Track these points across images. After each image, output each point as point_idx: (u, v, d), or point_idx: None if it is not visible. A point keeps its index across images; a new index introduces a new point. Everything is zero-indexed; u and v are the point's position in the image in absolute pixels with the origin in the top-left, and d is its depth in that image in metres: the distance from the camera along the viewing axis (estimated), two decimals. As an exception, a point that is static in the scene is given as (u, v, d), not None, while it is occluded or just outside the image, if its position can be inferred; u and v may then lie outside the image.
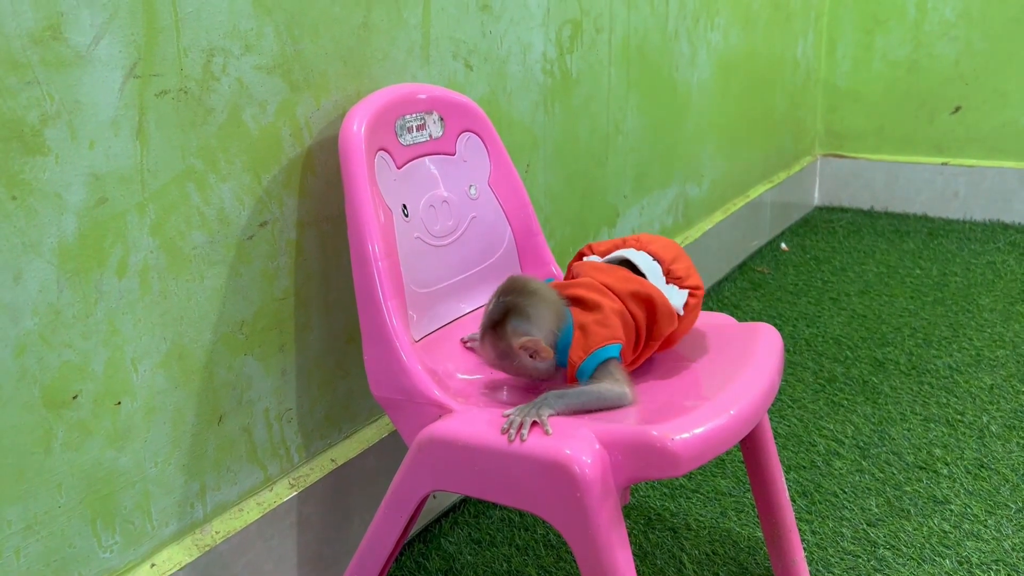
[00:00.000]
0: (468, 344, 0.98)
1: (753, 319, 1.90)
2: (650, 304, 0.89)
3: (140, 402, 0.83)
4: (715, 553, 1.16)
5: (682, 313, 0.91)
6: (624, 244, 0.97)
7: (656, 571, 1.13)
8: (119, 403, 0.81)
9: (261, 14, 0.88)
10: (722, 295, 2.08)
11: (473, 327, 1.02)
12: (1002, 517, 1.21)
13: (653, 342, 0.91)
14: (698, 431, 0.77)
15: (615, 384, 0.84)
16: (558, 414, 0.82)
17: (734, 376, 0.86)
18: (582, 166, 1.53)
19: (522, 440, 0.78)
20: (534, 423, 0.79)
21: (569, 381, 0.87)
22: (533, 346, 0.85)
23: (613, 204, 1.65)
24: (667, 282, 0.92)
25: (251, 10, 0.87)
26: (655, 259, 0.94)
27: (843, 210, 2.83)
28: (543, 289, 0.88)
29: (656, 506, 1.26)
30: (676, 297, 0.91)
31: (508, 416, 0.81)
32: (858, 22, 2.74)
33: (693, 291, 0.92)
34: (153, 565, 0.85)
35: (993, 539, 1.16)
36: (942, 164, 2.69)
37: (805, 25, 2.59)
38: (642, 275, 0.92)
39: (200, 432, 0.89)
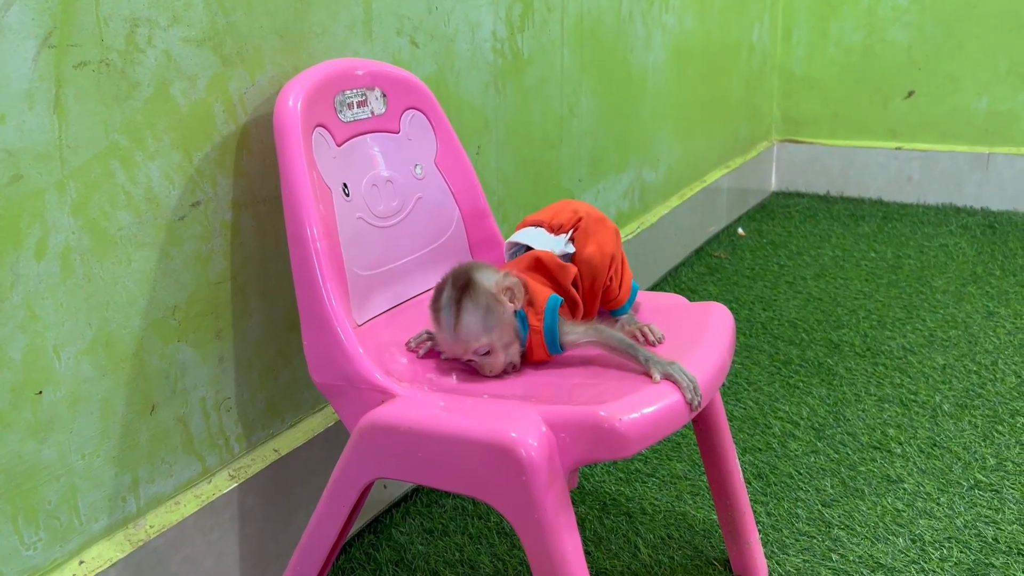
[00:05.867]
0: (414, 346, 0.91)
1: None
2: (540, 265, 0.90)
3: (64, 391, 0.78)
4: (670, 537, 1.14)
5: (572, 250, 0.91)
6: (516, 230, 0.97)
7: (611, 556, 1.11)
8: (40, 392, 0.76)
9: (189, -17, 0.84)
10: (679, 280, 2.07)
11: (419, 311, 0.99)
12: (954, 495, 1.21)
13: (588, 293, 0.91)
14: (647, 411, 0.75)
15: (591, 334, 0.86)
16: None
17: (684, 355, 0.84)
18: (535, 149, 1.50)
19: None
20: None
21: (537, 349, 0.86)
22: (511, 285, 0.85)
23: (568, 188, 1.63)
24: (555, 235, 0.93)
25: (178, -21, 0.83)
26: (537, 225, 0.94)
27: (800, 195, 2.85)
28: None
29: (611, 491, 1.24)
30: (558, 244, 0.92)
31: (679, 379, 0.79)
32: (813, 7, 2.75)
33: (575, 225, 0.92)
34: (82, 562, 0.81)
35: (945, 517, 1.16)
36: (896, 149, 2.71)
37: (760, 10, 2.59)
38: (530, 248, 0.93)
39: (131, 422, 0.85)
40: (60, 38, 0.74)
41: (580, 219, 0.93)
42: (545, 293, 0.88)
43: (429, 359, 0.91)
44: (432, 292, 0.87)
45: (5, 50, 0.70)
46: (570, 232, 0.93)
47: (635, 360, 0.83)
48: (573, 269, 0.91)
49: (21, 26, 0.71)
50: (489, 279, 0.85)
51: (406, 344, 0.92)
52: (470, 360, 0.86)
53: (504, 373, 0.86)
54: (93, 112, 0.77)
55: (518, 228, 0.97)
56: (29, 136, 0.73)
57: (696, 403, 0.78)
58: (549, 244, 0.92)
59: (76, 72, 0.75)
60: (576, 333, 0.86)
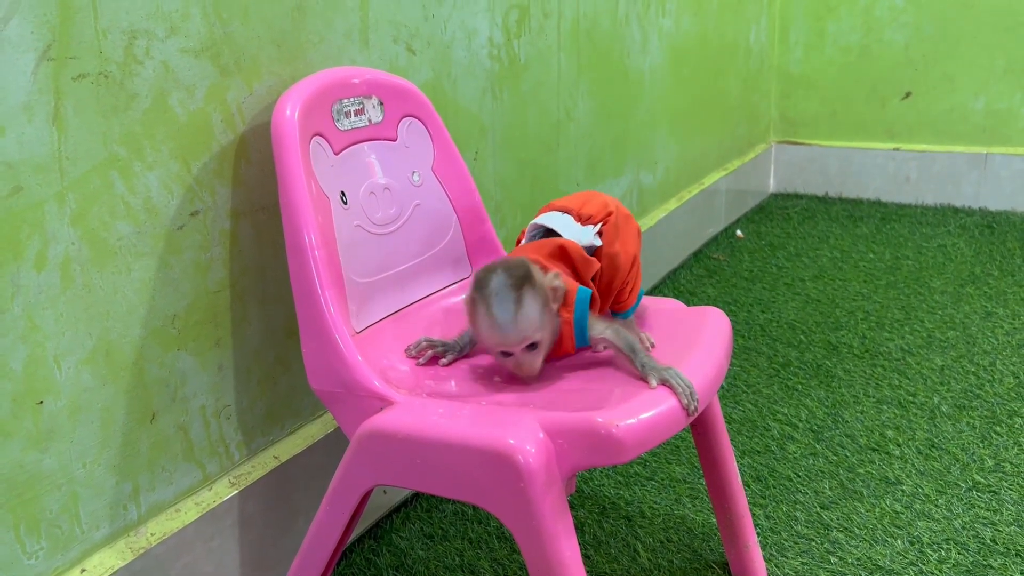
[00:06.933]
0: (414, 354, 0.91)
1: (708, 305, 1.90)
2: (564, 254, 0.89)
3: (64, 401, 0.79)
4: (669, 540, 1.15)
5: (598, 244, 0.91)
6: (541, 212, 0.97)
7: (610, 560, 1.11)
8: (41, 402, 0.77)
9: (186, -6, 0.84)
10: (678, 282, 2.08)
11: (418, 317, 1.00)
12: (952, 496, 1.22)
13: (604, 290, 0.91)
14: (643, 417, 0.75)
15: (610, 333, 0.85)
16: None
17: (681, 360, 0.85)
18: (533, 153, 1.51)
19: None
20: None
21: (566, 341, 0.85)
22: (557, 287, 0.83)
23: (565, 191, 1.64)
24: (583, 225, 0.92)
25: (175, -10, 0.83)
26: (564, 212, 0.93)
27: (798, 196, 2.85)
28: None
29: (610, 494, 1.25)
30: (586, 235, 0.91)
31: (675, 385, 0.79)
32: (810, 8, 2.76)
33: (604, 218, 0.92)
34: (83, 570, 0.82)
35: (944, 518, 1.17)
36: (894, 149, 2.72)
37: (757, 11, 2.59)
38: (558, 234, 0.92)
39: (131, 431, 0.85)
40: (59, 51, 0.74)
41: (611, 213, 0.92)
42: (574, 285, 0.86)
43: (427, 366, 0.91)
44: (473, 281, 0.83)
45: (4, 63, 0.70)
46: (599, 225, 0.92)
47: (633, 364, 0.83)
48: (596, 264, 0.90)
49: (20, 39, 0.71)
50: (540, 276, 0.83)
51: (405, 351, 0.92)
52: (506, 355, 0.83)
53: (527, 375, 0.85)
54: (92, 123, 0.78)
55: (543, 211, 0.96)
56: (28, 148, 0.73)
57: (693, 408, 0.79)
58: (576, 234, 0.91)
59: (75, 84, 0.76)
60: (597, 329, 0.86)
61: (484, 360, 0.93)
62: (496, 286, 0.81)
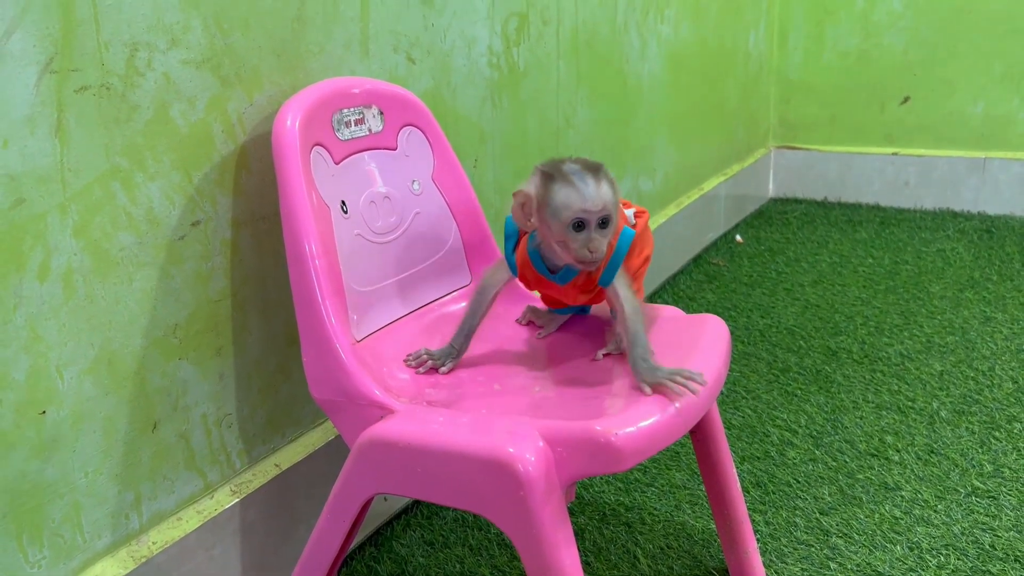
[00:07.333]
0: (413, 364, 0.92)
1: (708, 311, 1.90)
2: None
3: (67, 410, 0.79)
4: (669, 547, 1.15)
5: (634, 222, 0.92)
6: None
7: (610, 567, 1.12)
8: (44, 412, 0.77)
9: (187, 7, 0.85)
10: (677, 288, 2.08)
11: (419, 325, 1.00)
12: (951, 502, 1.22)
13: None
14: (642, 425, 0.76)
15: (628, 296, 0.86)
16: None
17: (680, 367, 0.85)
18: (532, 160, 1.50)
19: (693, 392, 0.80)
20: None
21: (599, 269, 0.87)
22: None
23: (565, 198, 1.64)
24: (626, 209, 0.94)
25: (176, 3, 0.84)
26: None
27: (797, 201, 2.86)
28: None
29: (611, 501, 1.25)
30: (627, 215, 0.93)
31: (665, 382, 0.80)
32: (808, 13, 2.77)
33: (640, 212, 0.95)
34: (86, 579, 0.82)
35: (943, 524, 1.17)
36: (893, 154, 2.72)
37: (756, 16, 2.60)
38: None
39: (133, 440, 0.86)
40: (61, 63, 0.75)
41: (644, 211, 0.95)
42: (620, 224, 0.87)
43: (427, 375, 0.92)
44: (540, 173, 0.84)
45: (7, 76, 0.71)
46: (634, 210, 0.94)
47: (631, 353, 0.83)
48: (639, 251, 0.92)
49: (23, 53, 0.72)
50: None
51: (404, 360, 0.93)
52: (579, 229, 0.82)
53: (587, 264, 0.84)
54: (94, 135, 0.78)
55: None
56: (31, 160, 0.74)
57: (696, 391, 0.80)
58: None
59: (77, 96, 0.76)
60: (623, 285, 0.87)
61: (484, 368, 0.94)
62: (575, 166, 0.83)
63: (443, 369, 0.92)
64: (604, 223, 0.83)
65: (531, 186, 0.85)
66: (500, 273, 0.93)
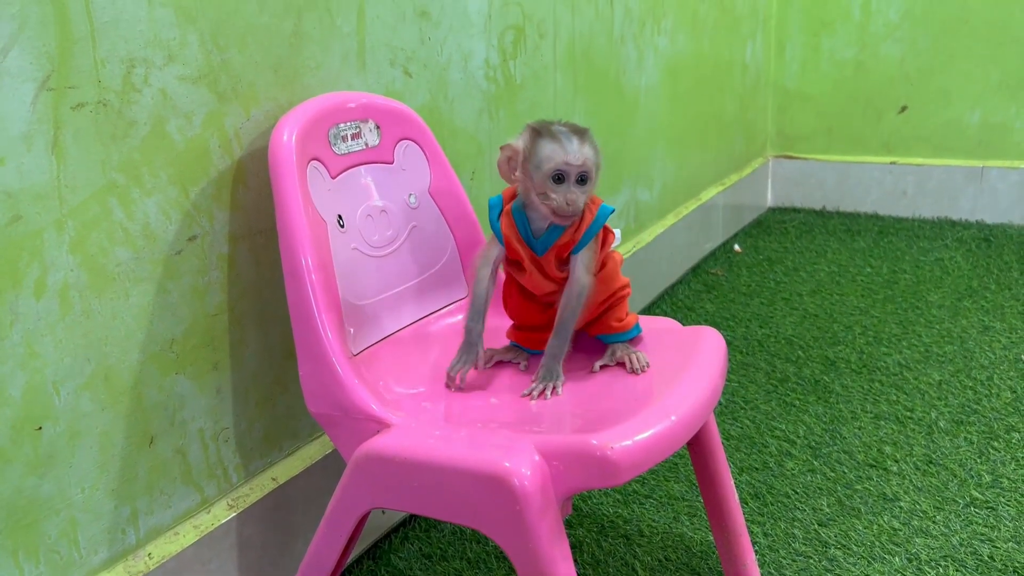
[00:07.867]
0: (455, 373, 0.93)
1: (706, 321, 1.90)
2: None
3: (63, 426, 0.79)
4: (668, 559, 1.15)
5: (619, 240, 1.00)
6: None
7: (609, 580, 1.11)
8: (40, 428, 0.77)
9: (184, 23, 0.85)
10: (676, 298, 2.08)
11: (415, 338, 1.00)
12: (950, 513, 1.22)
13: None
14: (639, 438, 0.76)
15: (583, 275, 0.90)
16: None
17: (675, 381, 0.86)
18: (529, 172, 1.51)
19: (546, 397, 0.88)
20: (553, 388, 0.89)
21: (580, 227, 0.90)
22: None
23: (562, 210, 1.64)
24: None
25: (173, 19, 0.84)
26: None
27: (795, 210, 2.86)
28: None
29: (609, 513, 1.25)
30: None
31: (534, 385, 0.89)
32: (805, 24, 2.78)
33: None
34: (82, 595, 0.82)
35: (941, 535, 1.17)
36: (890, 163, 2.73)
37: (753, 28, 2.61)
38: None
39: (130, 455, 0.86)
40: (58, 80, 0.75)
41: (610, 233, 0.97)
42: (599, 201, 0.92)
43: (422, 388, 0.92)
44: (529, 129, 0.89)
45: (4, 94, 0.71)
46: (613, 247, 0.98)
47: (547, 345, 0.90)
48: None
49: (20, 70, 0.72)
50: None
51: (446, 386, 0.92)
52: (559, 182, 0.86)
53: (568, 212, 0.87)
54: (91, 152, 0.79)
55: None
56: (28, 177, 0.74)
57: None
58: None
59: (74, 113, 0.77)
60: (584, 266, 0.90)
61: (480, 382, 0.94)
62: (563, 127, 0.88)
63: (480, 366, 0.93)
64: (583, 179, 0.87)
65: (520, 141, 0.89)
66: (492, 248, 0.94)
